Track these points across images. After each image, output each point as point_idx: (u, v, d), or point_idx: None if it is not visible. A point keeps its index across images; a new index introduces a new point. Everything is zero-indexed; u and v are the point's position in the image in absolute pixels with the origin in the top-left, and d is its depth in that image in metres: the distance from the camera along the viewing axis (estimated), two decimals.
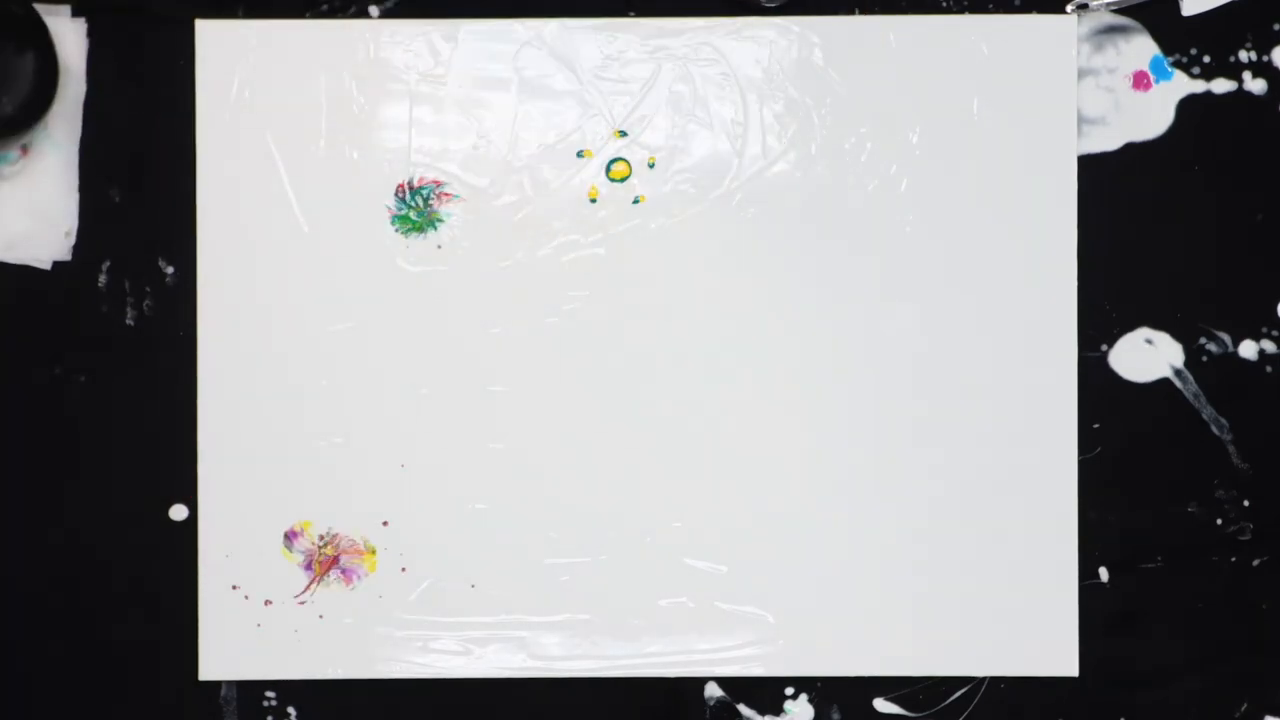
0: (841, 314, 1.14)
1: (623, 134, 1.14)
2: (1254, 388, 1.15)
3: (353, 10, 1.15)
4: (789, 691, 1.15)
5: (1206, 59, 1.15)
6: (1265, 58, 1.15)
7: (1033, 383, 1.14)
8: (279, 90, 1.14)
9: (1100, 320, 1.15)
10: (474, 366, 1.14)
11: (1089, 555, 1.15)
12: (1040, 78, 1.14)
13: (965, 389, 1.14)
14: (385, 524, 1.14)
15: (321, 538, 1.14)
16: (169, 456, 1.14)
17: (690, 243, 1.14)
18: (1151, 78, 1.15)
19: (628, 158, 1.14)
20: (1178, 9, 1.15)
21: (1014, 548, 1.14)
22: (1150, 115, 1.15)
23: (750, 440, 1.14)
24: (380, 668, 1.14)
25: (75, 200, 1.13)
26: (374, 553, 1.14)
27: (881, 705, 1.15)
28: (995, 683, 1.15)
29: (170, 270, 1.14)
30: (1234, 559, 1.15)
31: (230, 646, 1.14)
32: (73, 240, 1.13)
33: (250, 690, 1.14)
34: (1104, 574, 1.15)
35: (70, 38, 1.13)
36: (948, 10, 1.14)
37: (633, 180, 1.14)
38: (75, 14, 1.13)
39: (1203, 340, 1.15)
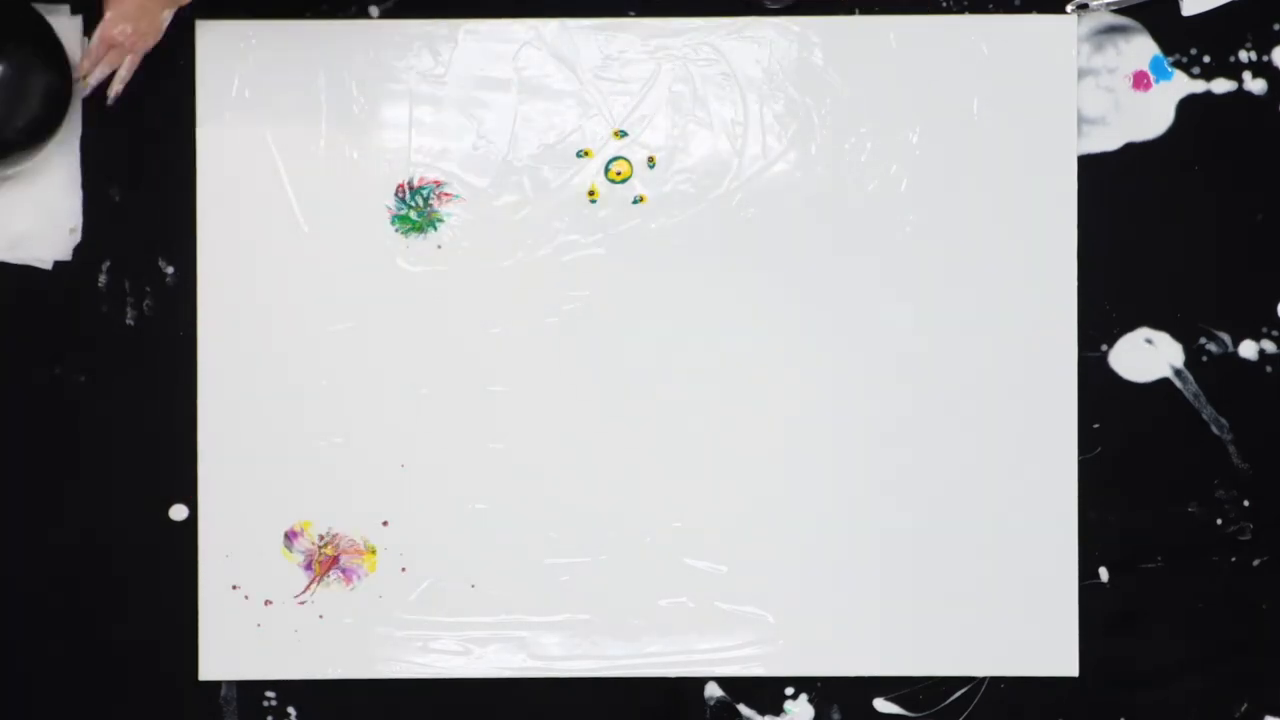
0: (842, 314, 1.14)
1: (623, 134, 1.14)
2: (1254, 388, 1.15)
3: (353, 10, 1.14)
4: (789, 691, 1.15)
5: (1206, 59, 1.15)
6: (1265, 58, 1.15)
7: (1033, 382, 1.14)
8: (279, 90, 1.13)
9: (1100, 320, 1.15)
10: (474, 366, 1.14)
11: (1089, 555, 1.14)
12: (1040, 78, 1.14)
13: (965, 389, 1.14)
14: (385, 524, 1.14)
15: (321, 538, 1.14)
16: (169, 456, 1.14)
17: (690, 243, 1.14)
18: (1151, 78, 1.15)
19: (628, 157, 1.14)
20: (1178, 9, 1.15)
21: (1014, 548, 1.14)
22: (1150, 115, 1.15)
23: (750, 440, 1.14)
24: (380, 668, 1.14)
25: (79, 197, 1.13)
26: (374, 553, 1.14)
27: (881, 705, 1.15)
28: (995, 683, 1.15)
29: (170, 270, 1.14)
30: (1234, 559, 1.15)
31: (230, 646, 1.14)
32: (78, 237, 1.13)
33: (250, 690, 1.14)
34: (1104, 574, 1.15)
35: (69, 36, 1.12)
36: (948, 10, 1.14)
37: (633, 180, 1.14)
38: (74, 12, 1.13)
39: (1203, 340, 1.15)
